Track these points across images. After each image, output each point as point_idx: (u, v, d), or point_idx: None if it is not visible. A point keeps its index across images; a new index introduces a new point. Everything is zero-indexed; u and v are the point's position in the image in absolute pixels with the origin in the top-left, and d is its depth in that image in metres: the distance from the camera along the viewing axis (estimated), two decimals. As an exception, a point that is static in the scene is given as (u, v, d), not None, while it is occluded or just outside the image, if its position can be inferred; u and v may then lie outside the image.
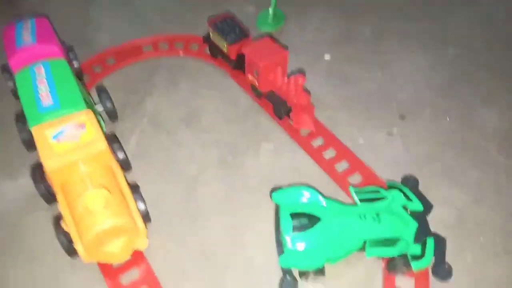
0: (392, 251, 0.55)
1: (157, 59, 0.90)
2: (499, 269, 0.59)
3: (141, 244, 0.58)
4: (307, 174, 0.70)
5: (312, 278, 0.56)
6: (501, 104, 0.80)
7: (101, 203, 0.51)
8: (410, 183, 0.65)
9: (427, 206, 0.62)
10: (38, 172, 0.61)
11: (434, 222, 0.62)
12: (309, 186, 0.62)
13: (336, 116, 0.78)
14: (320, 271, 0.55)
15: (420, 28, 0.96)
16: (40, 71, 0.64)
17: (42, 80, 0.63)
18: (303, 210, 0.57)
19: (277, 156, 0.73)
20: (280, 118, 0.76)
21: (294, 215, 0.56)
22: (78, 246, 0.54)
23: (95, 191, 0.51)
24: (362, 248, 0.56)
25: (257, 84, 0.76)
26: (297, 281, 0.56)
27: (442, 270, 0.56)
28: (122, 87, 0.85)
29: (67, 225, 0.55)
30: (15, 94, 0.72)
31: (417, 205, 0.61)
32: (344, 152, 0.72)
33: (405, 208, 0.60)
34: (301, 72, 0.72)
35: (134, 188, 0.60)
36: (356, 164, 0.70)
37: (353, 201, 0.60)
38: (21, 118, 0.65)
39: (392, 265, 0.56)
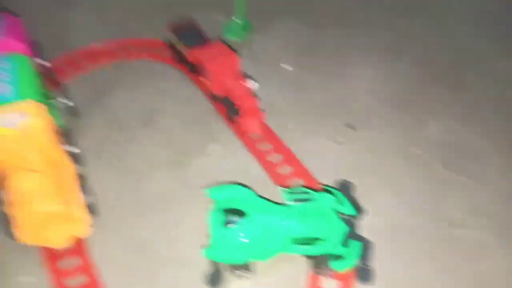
0: (313, 250, 0.56)
1: (124, 61, 0.94)
2: (428, 276, 0.60)
3: (81, 232, 0.60)
4: (250, 175, 0.72)
5: (239, 273, 0.57)
6: (448, 117, 0.82)
7: (32, 184, 0.53)
8: (345, 188, 0.67)
9: (359, 211, 0.64)
10: None
11: (365, 228, 0.63)
12: (242, 185, 0.65)
13: (286, 123, 0.80)
14: (246, 267, 0.57)
15: (380, 43, 0.98)
16: (2, 64, 0.67)
17: (3, 73, 0.66)
18: (234, 206, 0.59)
19: (223, 157, 0.75)
20: (230, 120, 0.79)
21: (226, 211, 0.58)
22: (14, 228, 0.56)
23: (26, 172, 0.54)
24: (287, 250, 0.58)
25: (209, 85, 0.79)
26: (221, 274, 0.57)
27: (364, 273, 0.58)
28: (87, 86, 0.88)
29: (5, 207, 0.57)
30: None
31: (349, 209, 0.62)
32: (288, 157, 0.74)
33: (338, 212, 0.62)
34: (250, 77, 0.75)
35: (81, 179, 0.63)
36: (298, 169, 0.72)
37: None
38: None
39: (315, 264, 0.57)
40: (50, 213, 0.56)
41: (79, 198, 0.61)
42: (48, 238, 0.59)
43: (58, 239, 0.60)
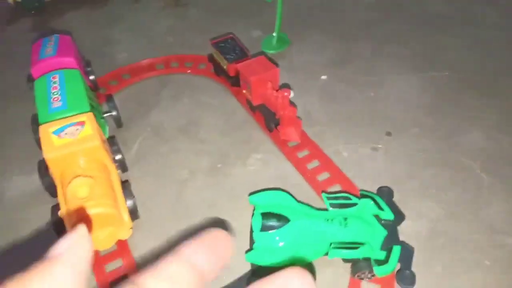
0: (354, 254, 0.57)
1: (167, 76, 0.99)
2: (468, 282, 0.59)
3: (124, 234, 0.64)
4: (290, 183, 0.73)
5: None
6: (487, 124, 0.81)
7: (86, 190, 0.58)
8: (385, 194, 0.67)
9: (399, 217, 0.64)
10: (43, 167, 0.69)
11: (407, 233, 0.63)
12: (283, 190, 0.66)
13: (324, 131, 0.82)
14: None
15: (413, 52, 0.99)
16: (55, 79, 0.74)
17: (56, 86, 0.72)
18: (275, 211, 0.61)
19: (263, 166, 0.77)
20: (270, 130, 0.81)
21: (266, 216, 0.60)
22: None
23: (82, 178, 0.58)
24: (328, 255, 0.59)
25: (250, 97, 0.82)
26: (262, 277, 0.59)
27: (405, 277, 0.58)
28: (133, 99, 0.93)
29: (62, 213, 0.62)
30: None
31: (388, 214, 0.63)
32: (327, 164, 0.75)
33: (377, 217, 0.63)
34: (288, 87, 0.77)
35: (125, 185, 0.67)
36: (337, 175, 0.73)
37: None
38: (35, 121, 0.74)
39: (356, 268, 0.58)
40: (101, 215, 0.59)
41: (123, 202, 0.65)
42: (97, 241, 0.62)
43: (106, 241, 0.63)
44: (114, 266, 0.64)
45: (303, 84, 0.92)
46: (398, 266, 0.59)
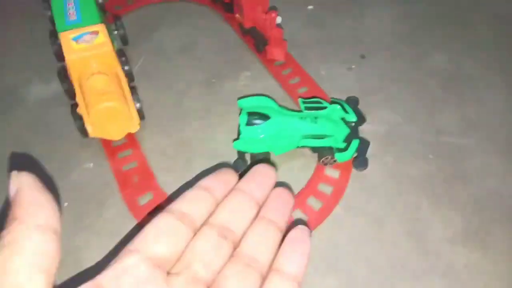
0: (320, 143, 0.70)
1: (168, 3, 1.08)
2: (414, 170, 0.73)
3: (133, 128, 0.76)
4: (274, 95, 0.85)
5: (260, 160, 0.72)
6: (453, 50, 0.92)
7: (102, 85, 0.69)
8: (352, 101, 0.80)
9: (361, 119, 0.77)
10: (62, 73, 0.80)
11: (366, 133, 0.76)
12: (266, 96, 0.79)
13: (306, 53, 0.93)
14: (266, 157, 0.71)
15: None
16: None
17: (71, 3, 0.82)
18: (259, 110, 0.73)
19: (252, 81, 0.89)
20: (258, 51, 0.92)
21: (251, 114, 0.72)
22: (87, 124, 0.73)
23: (99, 75, 0.70)
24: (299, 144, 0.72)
25: (242, 21, 0.92)
26: (247, 162, 0.72)
27: (360, 161, 0.71)
28: (136, 23, 1.03)
29: (80, 108, 0.74)
30: (51, 21, 0.89)
31: (352, 117, 0.76)
32: (306, 80, 0.87)
33: (343, 119, 0.75)
34: (275, 9, 0.87)
35: (133, 90, 0.78)
36: (314, 89, 0.85)
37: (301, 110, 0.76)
38: (53, 35, 0.84)
39: (321, 155, 0.71)
40: (115, 108, 0.70)
41: (132, 102, 0.75)
42: (111, 131, 0.74)
43: (118, 132, 0.75)
44: (125, 154, 0.77)
45: (291, 13, 1.02)
46: (356, 155, 0.72)
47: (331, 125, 0.72)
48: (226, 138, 0.78)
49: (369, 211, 0.68)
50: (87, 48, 0.73)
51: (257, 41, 0.91)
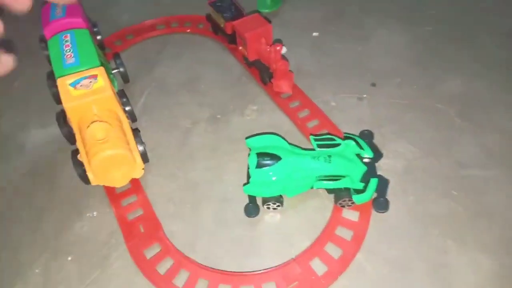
0: (336, 184, 0.66)
1: (168, 35, 1.05)
2: (437, 208, 0.68)
3: (137, 174, 0.73)
4: (283, 130, 0.82)
5: (272, 206, 0.68)
6: (466, 73, 0.89)
7: (103, 133, 0.66)
8: (365, 136, 0.76)
9: (378, 155, 0.73)
10: (61, 117, 0.77)
11: (384, 169, 0.72)
12: (276, 134, 0.75)
13: (315, 83, 0.89)
14: (279, 200, 0.67)
15: (400, 7, 1.05)
16: (67, 38, 0.80)
17: (68, 45, 0.79)
18: (268, 151, 0.69)
19: (259, 115, 0.85)
20: (264, 83, 0.89)
21: (261, 155, 0.69)
22: (88, 172, 0.69)
23: (99, 123, 0.66)
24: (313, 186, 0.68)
25: (246, 53, 0.89)
26: (258, 207, 0.68)
27: (380, 203, 0.67)
28: (136, 57, 1.00)
29: (81, 156, 0.70)
30: (49, 61, 0.86)
31: (368, 153, 0.71)
32: (316, 112, 0.83)
33: (358, 156, 0.71)
34: (280, 42, 0.84)
35: (135, 132, 0.75)
36: (325, 122, 0.81)
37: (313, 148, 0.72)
38: (51, 77, 0.81)
39: (338, 197, 0.67)
40: (117, 156, 0.66)
41: (135, 146, 0.72)
42: (114, 179, 0.71)
43: (121, 179, 0.72)
44: (129, 201, 0.73)
45: (296, 41, 0.99)
46: (375, 195, 0.68)
47: (346, 164, 0.68)
48: (235, 180, 0.74)
49: (392, 257, 0.63)
50: (86, 94, 0.70)
51: (263, 73, 0.88)
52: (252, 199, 0.69)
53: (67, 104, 0.69)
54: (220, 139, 0.82)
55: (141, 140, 0.75)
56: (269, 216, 0.69)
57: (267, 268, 0.63)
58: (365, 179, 0.68)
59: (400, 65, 0.92)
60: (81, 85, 0.71)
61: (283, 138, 0.73)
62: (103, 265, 0.66)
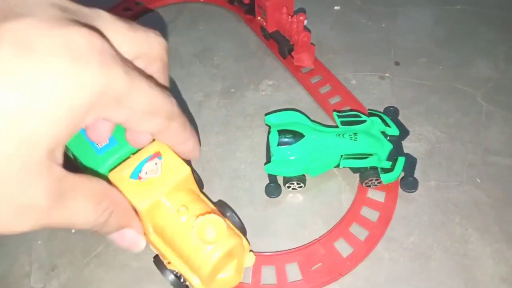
0: (363, 163, 0.62)
1: (182, 3, 1.00)
2: (460, 195, 0.65)
3: (250, 260, 0.54)
4: (302, 106, 0.77)
5: (295, 186, 0.65)
6: (497, 56, 0.84)
7: (211, 230, 0.46)
8: (391, 113, 0.72)
9: (404, 132, 0.70)
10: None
11: (407, 152, 0.69)
12: (298, 111, 0.71)
13: (335, 59, 0.85)
14: (301, 179, 0.64)
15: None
16: None
17: None
18: (290, 128, 0.65)
19: (276, 90, 0.81)
20: (283, 57, 0.84)
21: (282, 133, 0.65)
22: (193, 281, 0.48)
23: (202, 219, 0.47)
24: (339, 165, 0.64)
25: (264, 24, 0.84)
26: (280, 187, 0.65)
27: (409, 183, 0.64)
28: (148, 26, 0.95)
29: (174, 264, 0.49)
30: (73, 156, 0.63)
31: (394, 131, 0.68)
32: (338, 88, 0.79)
33: (383, 133, 0.68)
34: (302, 12, 0.79)
35: (221, 205, 0.56)
36: (348, 99, 0.77)
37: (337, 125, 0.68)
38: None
39: (364, 176, 0.63)
40: (230, 251, 0.48)
41: (229, 223, 0.52)
42: (227, 279, 0.51)
43: (235, 276, 0.51)
44: None
45: (317, 14, 0.94)
46: (402, 175, 0.65)
47: (372, 142, 0.64)
48: (248, 157, 0.71)
49: (411, 245, 0.60)
50: (162, 182, 0.47)
51: (282, 46, 0.83)
52: (273, 178, 0.66)
53: (141, 207, 0.46)
54: (233, 114, 0.78)
55: (232, 208, 0.56)
56: (291, 196, 0.66)
57: (290, 249, 0.60)
58: (392, 158, 0.64)
59: (426, 44, 0.87)
60: (146, 173, 0.48)
61: (305, 114, 0.70)
62: (108, 240, 0.63)
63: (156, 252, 0.53)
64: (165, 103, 0.33)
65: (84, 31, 0.23)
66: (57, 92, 0.21)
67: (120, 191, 0.46)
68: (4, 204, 0.23)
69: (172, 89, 0.82)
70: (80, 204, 0.30)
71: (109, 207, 0.36)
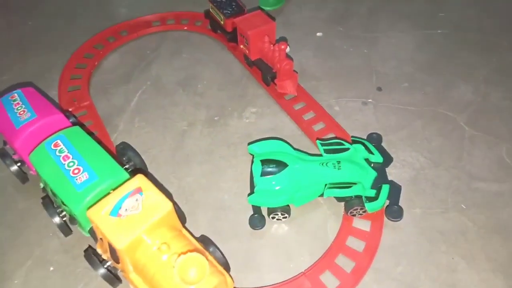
0: (347, 192, 0.62)
1: (165, 32, 1.01)
2: (445, 223, 0.64)
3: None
4: (285, 134, 0.77)
5: (279, 216, 0.63)
6: (478, 79, 0.85)
7: (192, 269, 0.46)
8: (374, 139, 0.72)
9: (387, 159, 0.69)
10: (92, 255, 0.55)
11: (391, 179, 0.68)
12: (280, 139, 0.71)
13: (318, 86, 0.85)
14: (286, 210, 0.63)
15: (413, 9, 1.01)
16: (58, 146, 0.57)
17: (66, 155, 0.56)
18: (273, 157, 0.65)
19: (259, 118, 0.81)
20: (267, 84, 0.84)
21: (265, 163, 0.64)
22: None
23: (184, 258, 0.46)
24: (323, 194, 0.64)
25: (247, 52, 0.84)
26: (264, 218, 0.64)
27: (394, 211, 0.63)
28: (131, 55, 0.95)
29: None
30: (22, 179, 0.68)
31: (377, 158, 0.67)
32: (322, 115, 0.79)
33: (367, 160, 0.67)
34: (284, 40, 0.79)
35: (204, 240, 0.57)
36: (331, 125, 0.76)
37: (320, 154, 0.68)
38: (49, 202, 0.60)
39: (349, 206, 0.62)
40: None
41: (212, 259, 0.53)
42: None
43: None
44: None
45: (299, 41, 0.95)
46: (387, 203, 0.64)
47: (356, 170, 0.64)
48: (232, 187, 0.70)
49: (399, 275, 0.59)
50: (141, 219, 0.48)
51: (265, 73, 0.83)
52: (257, 209, 0.65)
53: (121, 245, 0.47)
54: (217, 143, 0.77)
55: (216, 245, 0.56)
56: (276, 227, 0.65)
57: (275, 284, 0.58)
58: (376, 186, 0.64)
59: (408, 69, 0.88)
60: (125, 209, 0.49)
61: (288, 143, 0.69)
62: (89, 276, 0.61)
63: None
64: None
65: None
66: None
67: (99, 230, 0.48)
68: None
69: (155, 119, 0.81)
70: None
71: None
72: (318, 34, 0.97)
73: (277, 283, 0.58)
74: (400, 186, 0.66)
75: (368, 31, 0.97)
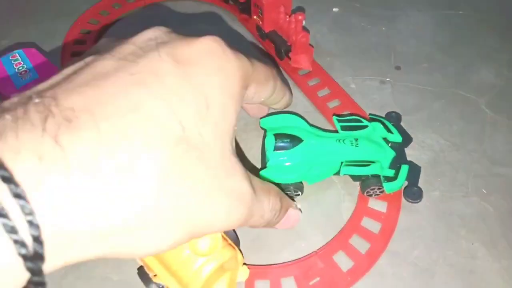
0: (365, 170, 0.58)
1: (174, 3, 0.96)
2: (465, 207, 0.61)
3: (243, 274, 0.50)
4: (298, 109, 0.74)
5: (292, 194, 0.60)
6: (500, 63, 0.81)
7: (204, 241, 0.42)
8: (393, 118, 0.69)
9: (407, 139, 0.66)
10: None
11: (410, 160, 0.65)
12: (295, 113, 0.67)
13: (334, 62, 0.81)
14: (299, 187, 0.60)
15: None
16: None
17: None
18: (287, 131, 0.61)
19: (272, 93, 0.77)
20: (280, 58, 0.80)
21: (279, 137, 0.61)
22: None
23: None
24: (339, 172, 0.60)
25: (261, 23, 0.80)
26: None
27: (413, 192, 0.60)
28: (137, 24, 0.91)
29: (161, 277, 0.44)
30: None
31: (396, 137, 0.64)
32: (338, 92, 0.75)
33: (385, 139, 0.64)
34: (301, 11, 0.75)
35: None
36: (347, 103, 0.73)
37: (336, 130, 0.64)
38: None
39: (366, 185, 0.59)
40: (223, 264, 0.44)
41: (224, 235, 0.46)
42: None
43: None
44: None
45: (314, 15, 0.90)
46: (405, 184, 0.62)
47: (374, 148, 0.61)
48: (242, 162, 0.67)
49: (415, 259, 0.56)
50: None
51: (279, 47, 0.79)
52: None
53: None
54: (227, 117, 0.74)
55: None
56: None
57: (285, 262, 0.55)
58: (395, 166, 0.61)
59: (427, 49, 0.85)
60: None
61: (303, 118, 0.66)
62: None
63: (141, 264, 0.50)
64: (269, 69, 0.41)
65: (214, 42, 0.36)
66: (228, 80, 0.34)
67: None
68: (217, 193, 0.29)
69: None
70: (265, 197, 0.38)
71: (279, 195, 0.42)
72: (334, 9, 0.93)
73: (288, 261, 0.55)
74: (420, 167, 0.63)
75: (387, 8, 0.93)
